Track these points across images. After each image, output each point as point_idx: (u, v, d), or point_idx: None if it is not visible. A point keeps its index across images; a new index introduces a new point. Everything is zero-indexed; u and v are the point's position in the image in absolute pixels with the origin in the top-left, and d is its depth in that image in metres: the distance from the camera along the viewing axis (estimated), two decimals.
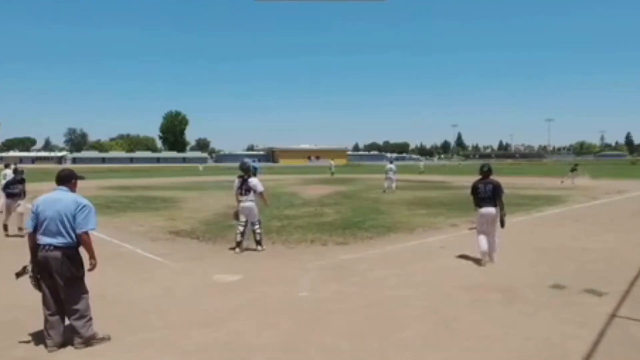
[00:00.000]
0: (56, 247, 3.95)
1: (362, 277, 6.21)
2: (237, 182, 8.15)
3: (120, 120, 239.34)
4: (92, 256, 4.13)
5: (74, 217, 4.01)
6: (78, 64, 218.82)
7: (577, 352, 3.76)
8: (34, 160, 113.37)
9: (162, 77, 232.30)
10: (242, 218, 7.98)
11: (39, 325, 4.10)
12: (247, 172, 8.14)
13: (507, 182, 28.44)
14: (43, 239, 3.98)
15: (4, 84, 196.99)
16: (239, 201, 8.05)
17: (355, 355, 3.78)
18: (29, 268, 4.07)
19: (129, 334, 4.24)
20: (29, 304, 4.57)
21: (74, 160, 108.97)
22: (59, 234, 3.97)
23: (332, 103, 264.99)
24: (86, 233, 4.06)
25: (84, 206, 4.10)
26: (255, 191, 8.00)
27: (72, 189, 4.26)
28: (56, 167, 79.22)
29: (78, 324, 4.00)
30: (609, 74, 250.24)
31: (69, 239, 4.00)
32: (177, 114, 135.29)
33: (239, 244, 7.92)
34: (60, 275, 3.94)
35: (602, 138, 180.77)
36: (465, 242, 8.68)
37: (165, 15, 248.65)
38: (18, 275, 4.15)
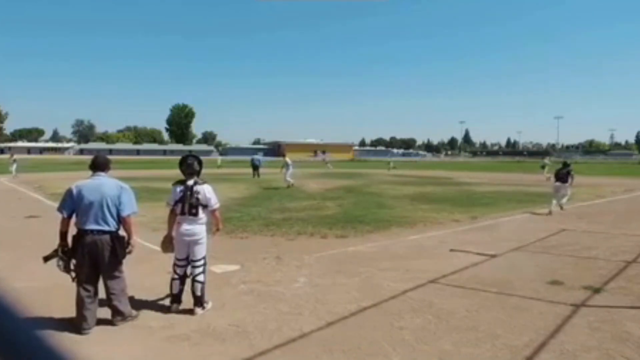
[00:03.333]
0: (105, 232, 4.09)
1: (359, 270, 6.20)
2: (176, 193, 4.76)
3: (127, 112, 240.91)
4: (131, 238, 4.30)
5: (119, 200, 4.17)
6: (87, 59, 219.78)
7: (572, 348, 3.74)
8: (42, 150, 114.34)
9: (169, 71, 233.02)
10: (183, 253, 4.73)
11: (63, 308, 4.16)
12: (193, 173, 4.82)
13: (513, 178, 28.38)
14: (90, 225, 4.08)
15: (13, 75, 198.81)
16: (177, 223, 4.75)
17: (349, 345, 3.79)
18: (60, 252, 4.14)
19: (131, 320, 4.28)
20: (48, 287, 4.62)
21: (82, 151, 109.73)
22: (107, 218, 4.11)
23: (338, 98, 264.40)
24: (129, 216, 4.26)
25: (127, 190, 4.30)
26: (207, 208, 4.79)
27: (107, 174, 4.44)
28: (64, 157, 79.90)
29: (119, 303, 4.19)
30: (619, 73, 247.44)
31: (115, 223, 4.17)
32: (184, 106, 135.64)
33: (176, 298, 4.70)
34: (108, 258, 4.11)
35: (611, 137, 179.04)
36: (466, 237, 8.65)
37: (172, 16, 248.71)
38: (47, 258, 4.19)
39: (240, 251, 7.40)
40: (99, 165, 4.33)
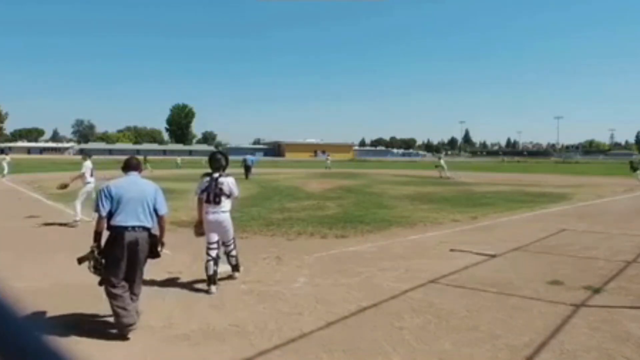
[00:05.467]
0: (144, 229, 4.14)
1: (359, 270, 6.20)
2: (202, 183, 5.46)
3: (127, 112, 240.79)
4: (162, 237, 4.38)
5: (155, 200, 4.25)
6: (87, 59, 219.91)
7: (572, 348, 3.74)
8: (42, 150, 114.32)
9: (169, 71, 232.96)
10: (213, 237, 5.41)
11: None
12: (219, 167, 5.55)
13: (513, 178, 28.39)
14: (129, 221, 4.09)
15: (13, 75, 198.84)
16: (205, 212, 5.40)
17: (349, 345, 3.79)
18: (96, 253, 4.05)
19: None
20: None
21: (81, 151, 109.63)
22: (145, 215, 4.16)
23: (338, 98, 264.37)
24: (165, 214, 4.36)
25: (160, 189, 4.41)
26: (230, 197, 5.51)
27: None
28: (64, 157, 79.99)
29: (137, 304, 4.18)
30: (619, 73, 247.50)
31: (152, 221, 4.23)
32: (184, 106, 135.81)
33: (212, 279, 5.27)
34: (144, 255, 4.14)
35: (611, 137, 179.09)
36: (466, 237, 8.65)
37: (172, 17, 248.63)
38: (82, 260, 4.09)
39: (241, 251, 7.38)
40: (132, 165, 4.48)
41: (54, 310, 4.44)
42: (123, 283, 4.08)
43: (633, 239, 8.62)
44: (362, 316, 4.49)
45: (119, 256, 4.01)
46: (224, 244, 5.58)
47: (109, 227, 4.12)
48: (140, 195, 4.19)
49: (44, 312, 4.32)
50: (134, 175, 4.42)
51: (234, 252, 5.70)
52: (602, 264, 6.66)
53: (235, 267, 5.79)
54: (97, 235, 4.13)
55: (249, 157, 27.15)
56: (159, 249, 4.34)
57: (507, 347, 3.77)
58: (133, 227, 4.07)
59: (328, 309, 4.65)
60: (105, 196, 4.15)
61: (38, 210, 12.05)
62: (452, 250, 7.47)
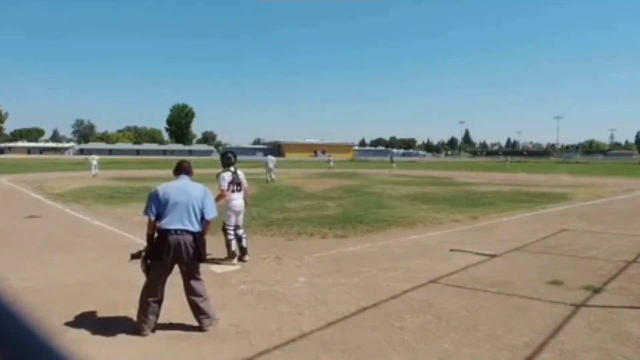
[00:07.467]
0: (188, 232, 4.14)
1: (359, 270, 6.20)
2: (228, 175, 6.65)
3: (127, 112, 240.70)
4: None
5: (203, 204, 4.25)
6: (87, 59, 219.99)
7: (572, 348, 3.74)
8: (42, 150, 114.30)
9: (169, 71, 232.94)
10: (234, 221, 6.66)
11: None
12: (232, 163, 6.78)
13: (513, 178, 28.39)
14: (173, 224, 4.12)
15: (13, 75, 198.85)
16: (228, 200, 6.62)
17: (349, 345, 3.79)
18: (144, 253, 4.20)
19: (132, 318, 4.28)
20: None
21: (82, 151, 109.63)
22: (191, 219, 4.17)
23: (338, 98, 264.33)
24: (212, 219, 4.35)
25: (210, 193, 4.41)
26: (244, 187, 6.82)
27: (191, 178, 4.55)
28: (64, 157, 79.97)
29: (205, 305, 4.20)
30: (619, 73, 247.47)
31: (198, 225, 4.21)
32: (184, 106, 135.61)
33: (233, 254, 6.60)
34: (190, 259, 4.15)
35: (611, 137, 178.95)
36: (466, 237, 8.65)
37: (172, 16, 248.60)
38: (134, 257, 4.30)
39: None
40: (184, 169, 4.50)
41: (53, 310, 4.45)
42: (160, 289, 4.13)
43: (633, 239, 8.62)
44: (362, 316, 4.49)
45: (164, 257, 4.10)
46: (237, 227, 6.62)
47: (157, 229, 4.21)
48: (187, 199, 4.20)
49: (43, 312, 4.32)
50: (184, 178, 4.45)
51: (245, 235, 6.75)
52: (602, 264, 6.66)
53: (246, 251, 6.65)
54: (149, 237, 4.24)
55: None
56: (205, 252, 4.33)
57: (507, 347, 3.77)
58: (176, 231, 4.11)
59: (328, 309, 4.65)
60: (152, 200, 4.23)
61: (38, 210, 12.05)
62: (452, 250, 7.47)
